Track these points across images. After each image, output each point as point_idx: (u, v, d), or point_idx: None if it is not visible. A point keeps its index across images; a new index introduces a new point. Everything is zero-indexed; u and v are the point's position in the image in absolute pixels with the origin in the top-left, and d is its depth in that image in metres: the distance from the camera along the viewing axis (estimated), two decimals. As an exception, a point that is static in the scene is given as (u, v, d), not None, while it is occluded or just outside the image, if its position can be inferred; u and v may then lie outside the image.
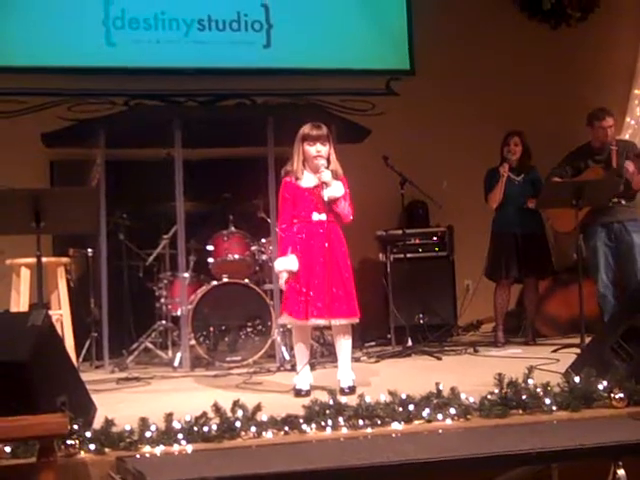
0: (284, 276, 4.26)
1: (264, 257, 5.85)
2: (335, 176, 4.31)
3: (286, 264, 4.26)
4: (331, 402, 3.44)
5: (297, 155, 4.36)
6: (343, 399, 3.55)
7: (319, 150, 4.30)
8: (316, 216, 4.30)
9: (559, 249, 6.73)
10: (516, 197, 6.07)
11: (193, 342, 5.51)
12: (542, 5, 7.58)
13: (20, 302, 5.04)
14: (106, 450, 3.09)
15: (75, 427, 3.07)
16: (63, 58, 6.69)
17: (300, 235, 4.31)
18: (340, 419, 3.35)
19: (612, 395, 3.54)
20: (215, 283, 5.67)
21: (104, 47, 6.84)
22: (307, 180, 4.34)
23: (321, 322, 4.30)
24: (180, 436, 3.17)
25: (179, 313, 5.69)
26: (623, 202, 5.71)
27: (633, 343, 3.77)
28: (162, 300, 5.94)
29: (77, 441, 3.05)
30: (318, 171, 4.29)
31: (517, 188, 6.09)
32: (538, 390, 3.57)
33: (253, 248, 5.86)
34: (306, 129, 4.34)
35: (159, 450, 3.12)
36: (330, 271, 4.25)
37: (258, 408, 3.36)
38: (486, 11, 7.44)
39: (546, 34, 7.65)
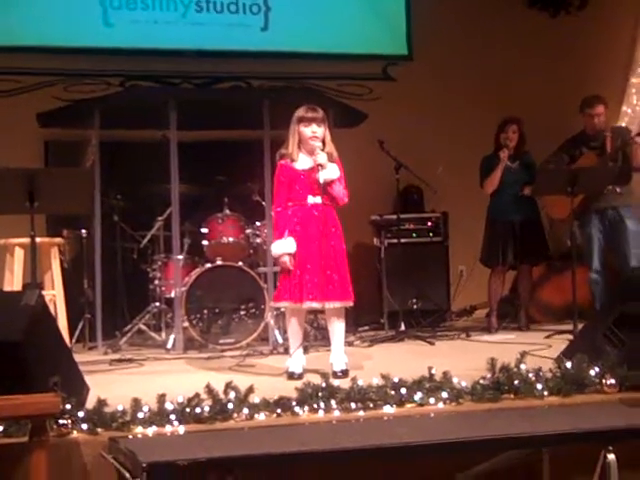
0: (286, 259, 4.25)
1: (258, 240, 5.85)
2: (330, 159, 4.30)
3: (285, 247, 4.25)
4: (324, 385, 3.45)
5: (292, 137, 4.35)
6: (336, 382, 3.55)
7: (314, 131, 4.29)
8: (311, 199, 4.30)
9: (554, 236, 6.73)
10: (512, 184, 6.06)
11: (186, 324, 5.51)
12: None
13: (14, 282, 5.03)
14: (98, 430, 3.10)
15: (68, 407, 3.07)
16: (60, 38, 6.64)
17: (295, 218, 4.31)
18: (332, 402, 3.37)
19: (603, 381, 3.56)
20: (209, 265, 5.66)
21: (101, 27, 6.78)
22: (302, 162, 4.33)
23: (315, 305, 4.30)
24: (172, 417, 3.18)
25: (173, 295, 5.69)
26: (618, 189, 5.71)
27: (625, 329, 3.79)
28: (156, 282, 5.93)
29: (69, 421, 3.05)
30: (313, 153, 4.28)
31: (513, 175, 6.08)
32: (530, 375, 3.59)
33: (248, 231, 5.85)
34: (301, 111, 4.34)
35: (151, 431, 3.12)
36: (325, 254, 4.25)
37: (251, 390, 3.37)
38: (485, -3, 7.42)
39: (545, 22, 7.61)
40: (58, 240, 5.47)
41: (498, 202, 6.12)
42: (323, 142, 4.32)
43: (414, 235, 6.74)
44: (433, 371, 3.58)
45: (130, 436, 3.08)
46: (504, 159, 6.02)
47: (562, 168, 5.74)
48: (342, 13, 7.25)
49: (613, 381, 3.55)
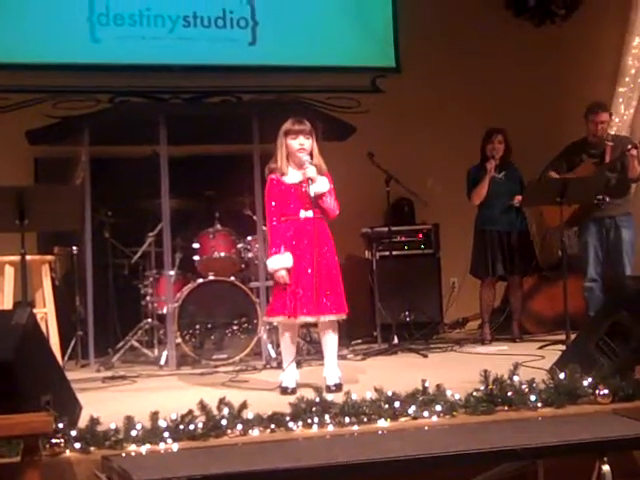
0: (283, 273, 4.24)
1: (250, 255, 5.84)
2: (319, 171, 4.31)
3: (282, 262, 4.25)
4: (317, 399, 3.44)
5: (280, 151, 4.36)
6: (329, 396, 3.55)
7: (302, 143, 4.30)
8: (303, 213, 4.30)
9: (548, 245, 6.75)
10: (499, 195, 6.07)
11: (179, 340, 5.49)
12: (527, 1, 7.60)
13: (4, 301, 5.00)
14: (91, 449, 3.08)
15: (60, 426, 3.06)
16: (48, 55, 6.64)
17: (289, 233, 4.31)
18: (326, 416, 3.36)
19: (597, 391, 3.56)
20: (201, 281, 5.65)
21: (89, 43, 6.80)
22: (292, 176, 4.34)
23: (309, 319, 4.30)
24: (166, 434, 3.16)
25: (165, 311, 5.67)
26: (607, 199, 5.72)
27: (617, 339, 3.79)
28: (148, 298, 5.91)
29: (62, 440, 3.04)
30: (302, 166, 4.29)
31: (500, 186, 6.09)
32: (523, 387, 3.59)
33: (239, 246, 5.85)
34: (288, 124, 4.35)
35: (145, 449, 3.11)
36: (318, 268, 4.25)
37: (244, 406, 3.36)
38: (471, 8, 7.44)
39: (530, 32, 7.66)
40: (49, 257, 5.45)
41: (486, 213, 6.13)
42: (311, 155, 4.32)
43: (405, 247, 6.74)
44: (426, 384, 3.58)
45: (123, 454, 3.06)
46: (491, 170, 6.04)
47: (551, 178, 5.77)
48: (330, 26, 7.29)
49: (606, 391, 3.55)
